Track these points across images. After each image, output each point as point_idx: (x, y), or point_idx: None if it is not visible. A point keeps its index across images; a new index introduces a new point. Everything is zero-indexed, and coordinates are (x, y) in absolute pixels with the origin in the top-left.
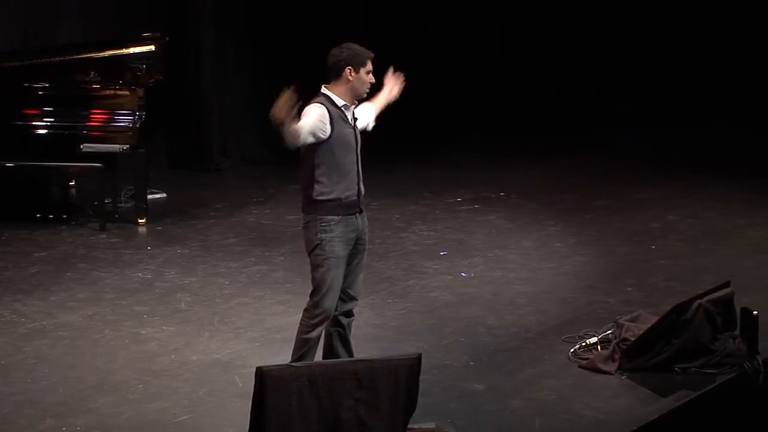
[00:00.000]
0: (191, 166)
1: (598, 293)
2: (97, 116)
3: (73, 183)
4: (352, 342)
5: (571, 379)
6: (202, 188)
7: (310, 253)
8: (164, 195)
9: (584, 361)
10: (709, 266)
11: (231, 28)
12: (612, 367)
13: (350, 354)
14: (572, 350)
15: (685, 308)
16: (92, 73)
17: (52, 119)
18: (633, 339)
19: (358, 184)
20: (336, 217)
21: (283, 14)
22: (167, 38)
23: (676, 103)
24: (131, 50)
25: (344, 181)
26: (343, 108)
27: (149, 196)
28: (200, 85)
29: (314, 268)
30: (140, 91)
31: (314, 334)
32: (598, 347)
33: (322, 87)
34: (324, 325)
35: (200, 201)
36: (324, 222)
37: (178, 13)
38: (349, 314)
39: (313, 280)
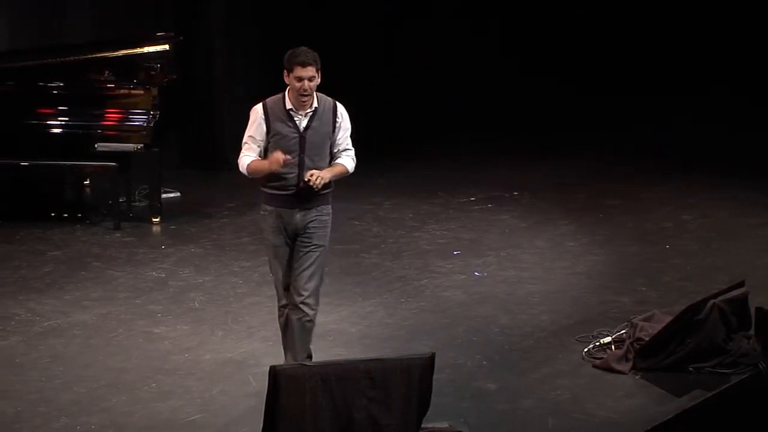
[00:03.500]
0: (204, 165)
1: (612, 293)
2: (112, 115)
3: (87, 182)
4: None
5: (585, 379)
6: (215, 187)
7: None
8: (178, 194)
9: (598, 361)
10: (722, 266)
11: (242, 27)
12: (626, 366)
13: (293, 353)
14: (586, 350)
15: (699, 308)
16: (106, 72)
17: (66, 118)
18: (647, 338)
19: (298, 185)
20: (270, 208)
21: (294, 13)
22: (181, 37)
23: (689, 102)
24: (145, 49)
25: (280, 180)
26: (289, 111)
27: (163, 195)
28: (212, 85)
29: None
30: (154, 91)
31: (281, 319)
32: (612, 347)
33: None
34: (284, 309)
35: (213, 200)
36: (262, 209)
37: (190, 12)
38: (296, 311)
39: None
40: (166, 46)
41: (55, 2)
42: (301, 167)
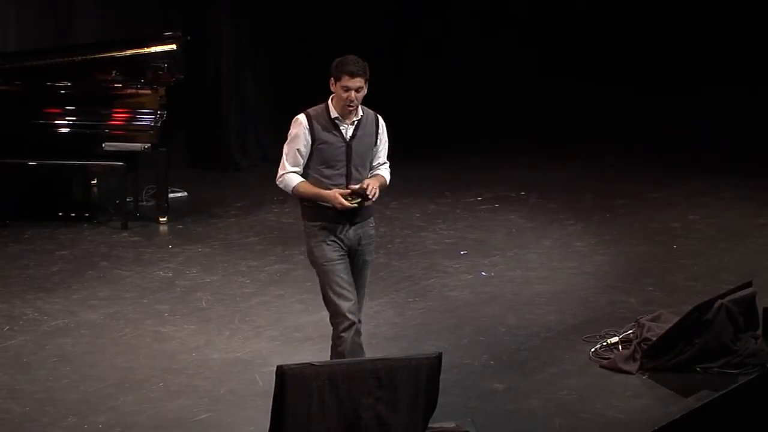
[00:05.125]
0: (211, 165)
1: (619, 293)
2: (119, 115)
3: (94, 182)
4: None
5: (592, 379)
6: (222, 187)
7: (310, 260)
8: (185, 194)
9: (605, 361)
10: (729, 266)
11: (250, 27)
12: (633, 366)
13: None
14: (593, 350)
15: (706, 308)
16: (114, 72)
17: (74, 118)
18: (654, 339)
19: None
20: (318, 223)
21: (302, 14)
22: (188, 37)
23: (695, 101)
24: (153, 49)
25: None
26: (335, 120)
27: (170, 195)
28: (220, 84)
29: (317, 274)
30: (161, 90)
31: (346, 344)
32: (619, 347)
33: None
34: (353, 329)
35: (220, 200)
36: (308, 227)
37: (197, 12)
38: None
39: (320, 288)
40: (174, 46)
41: (63, 3)
42: (348, 177)
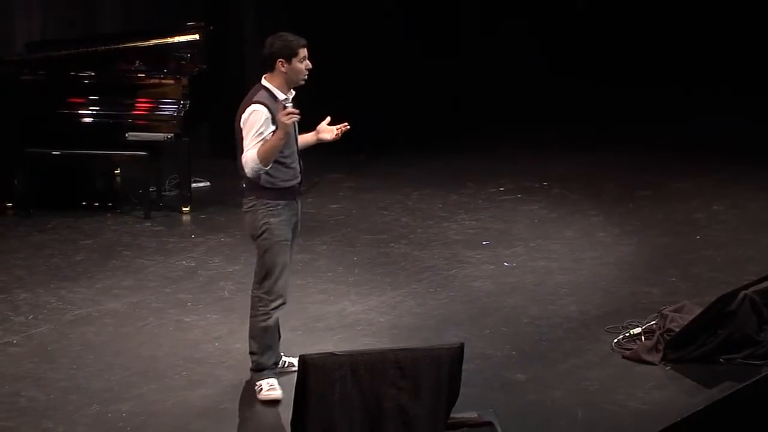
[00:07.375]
0: (233, 155)
1: (642, 283)
2: (142, 105)
3: (118, 171)
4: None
5: (614, 370)
6: None
7: (256, 237)
8: (208, 184)
9: (627, 352)
10: (753, 257)
11: (272, 16)
12: (656, 357)
13: (276, 347)
14: (615, 340)
15: (730, 299)
16: (137, 62)
17: (97, 108)
18: (677, 329)
19: (300, 171)
20: (283, 201)
21: (324, 4)
22: (211, 27)
23: (719, 93)
24: (176, 39)
25: (290, 170)
26: (283, 102)
27: (193, 185)
28: (242, 74)
29: (264, 252)
30: (184, 80)
31: (272, 320)
32: (642, 338)
33: (263, 78)
34: (282, 309)
35: (243, 190)
36: (271, 206)
37: (220, 2)
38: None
39: (263, 265)
40: (197, 36)
41: None
42: (297, 149)
